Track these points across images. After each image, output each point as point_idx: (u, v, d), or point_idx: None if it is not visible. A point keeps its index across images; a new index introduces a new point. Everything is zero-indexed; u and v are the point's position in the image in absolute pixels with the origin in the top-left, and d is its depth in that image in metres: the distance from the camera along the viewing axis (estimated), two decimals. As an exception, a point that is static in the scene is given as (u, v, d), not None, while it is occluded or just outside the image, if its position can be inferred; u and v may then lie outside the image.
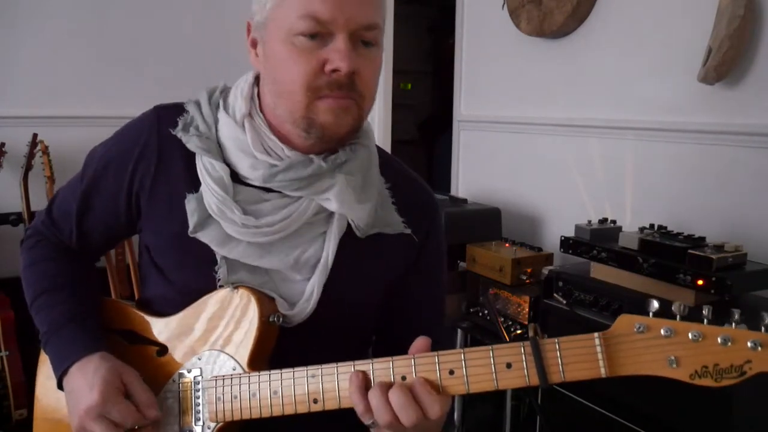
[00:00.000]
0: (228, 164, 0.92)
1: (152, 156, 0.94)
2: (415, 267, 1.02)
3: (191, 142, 0.92)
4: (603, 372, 0.71)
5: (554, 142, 2.33)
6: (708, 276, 1.41)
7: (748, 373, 0.66)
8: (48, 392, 1.00)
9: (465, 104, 2.81)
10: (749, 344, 0.66)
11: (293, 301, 0.93)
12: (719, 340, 0.67)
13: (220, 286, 0.91)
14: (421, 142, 4.77)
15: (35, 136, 2.37)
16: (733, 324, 0.68)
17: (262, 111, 0.93)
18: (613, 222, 1.81)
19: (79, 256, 1.05)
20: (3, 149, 2.35)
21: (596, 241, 1.71)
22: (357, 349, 1.04)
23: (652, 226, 1.72)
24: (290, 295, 0.93)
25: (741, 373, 0.66)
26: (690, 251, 1.48)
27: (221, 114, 0.94)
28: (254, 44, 0.93)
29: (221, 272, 0.90)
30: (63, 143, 2.46)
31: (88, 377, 0.87)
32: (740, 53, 1.66)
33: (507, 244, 2.17)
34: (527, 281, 2.01)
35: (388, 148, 3.24)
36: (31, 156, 2.36)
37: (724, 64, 1.66)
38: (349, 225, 0.94)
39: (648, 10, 1.96)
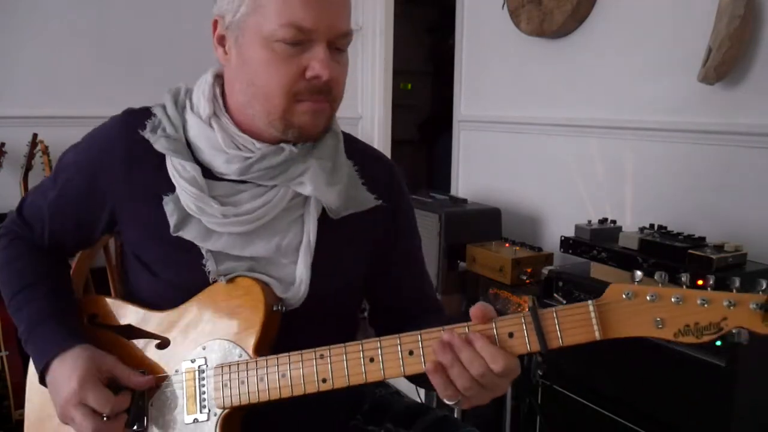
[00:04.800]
0: (200, 163, 0.94)
1: (121, 162, 0.97)
2: (392, 231, 1.05)
3: (159, 144, 0.94)
4: (597, 335, 0.77)
5: (554, 142, 2.33)
6: (708, 276, 1.41)
7: (725, 329, 0.73)
8: (37, 390, 0.99)
9: (465, 104, 2.81)
10: (725, 303, 0.73)
11: (285, 283, 0.95)
12: (698, 301, 0.74)
13: (213, 281, 0.93)
14: (421, 142, 4.77)
15: (35, 136, 2.37)
16: (709, 288, 0.75)
17: (227, 110, 0.96)
18: (613, 222, 1.81)
19: (53, 253, 1.06)
20: (3, 149, 2.34)
21: (596, 241, 1.72)
22: (348, 327, 1.08)
23: (652, 226, 1.72)
24: (280, 278, 0.95)
25: (718, 329, 0.73)
26: (690, 251, 1.48)
27: (189, 115, 0.97)
28: (221, 42, 0.96)
29: (209, 264, 0.93)
30: (63, 143, 2.42)
31: (67, 368, 0.89)
32: (740, 53, 1.66)
33: (507, 244, 2.17)
34: (527, 281, 2.01)
35: (388, 148, 3.24)
36: (31, 156, 2.35)
37: (724, 64, 1.66)
38: (323, 208, 0.97)
39: (648, 10, 1.96)
